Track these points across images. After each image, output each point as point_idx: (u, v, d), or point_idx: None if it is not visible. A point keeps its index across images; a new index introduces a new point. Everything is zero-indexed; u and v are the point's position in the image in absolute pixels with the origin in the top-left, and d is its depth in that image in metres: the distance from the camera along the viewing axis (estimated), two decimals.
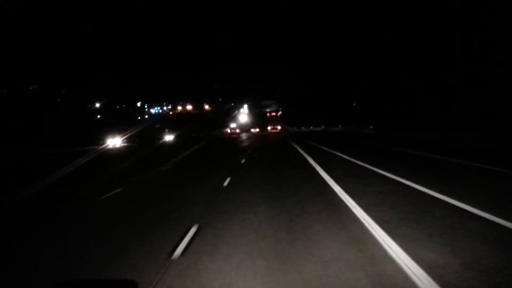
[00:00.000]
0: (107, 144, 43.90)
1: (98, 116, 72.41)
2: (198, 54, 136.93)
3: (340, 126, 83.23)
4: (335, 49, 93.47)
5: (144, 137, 53.81)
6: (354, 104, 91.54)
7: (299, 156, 21.27)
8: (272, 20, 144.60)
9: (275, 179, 12.73)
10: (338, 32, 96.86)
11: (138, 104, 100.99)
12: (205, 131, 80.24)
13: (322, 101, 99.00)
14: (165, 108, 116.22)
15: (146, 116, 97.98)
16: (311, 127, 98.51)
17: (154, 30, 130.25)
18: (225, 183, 12.18)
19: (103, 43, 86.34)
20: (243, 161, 19.95)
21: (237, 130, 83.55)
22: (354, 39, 75.17)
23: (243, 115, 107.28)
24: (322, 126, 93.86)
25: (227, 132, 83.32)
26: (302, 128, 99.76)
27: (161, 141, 56.81)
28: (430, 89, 43.81)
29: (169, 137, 62.82)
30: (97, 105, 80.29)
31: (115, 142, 45.54)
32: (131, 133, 51.27)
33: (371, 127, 60.00)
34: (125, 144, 46.93)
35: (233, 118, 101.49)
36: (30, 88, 64.03)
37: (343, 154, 20.26)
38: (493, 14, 34.81)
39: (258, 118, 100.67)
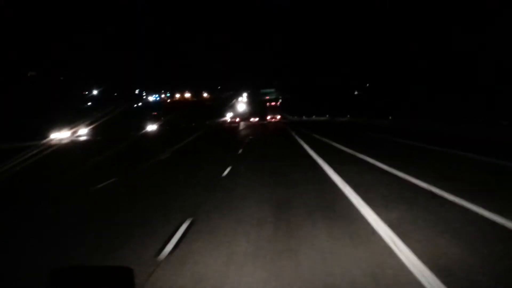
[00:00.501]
0: (49, 138, 33.83)
1: (89, 104, 69.44)
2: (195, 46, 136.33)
3: (348, 116, 72.96)
4: (335, 49, 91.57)
5: (116, 128, 43.96)
6: (356, 92, 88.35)
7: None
8: (272, 20, 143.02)
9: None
10: (338, 32, 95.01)
11: (136, 91, 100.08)
12: (198, 120, 77.92)
13: (325, 92, 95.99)
14: (163, 95, 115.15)
15: (140, 104, 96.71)
16: (314, 116, 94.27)
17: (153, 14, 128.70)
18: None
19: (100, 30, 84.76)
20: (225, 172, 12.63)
21: (236, 119, 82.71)
22: (354, 39, 73.32)
23: (242, 104, 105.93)
24: (327, 116, 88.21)
25: (226, 121, 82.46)
26: (304, 117, 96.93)
27: (141, 133, 47.08)
28: (430, 89, 42.74)
29: (151, 128, 54.82)
30: (95, 92, 79.49)
31: (62, 135, 36.31)
32: (96, 123, 42.31)
33: (390, 117, 50.69)
34: (83, 138, 38.20)
35: (232, 107, 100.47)
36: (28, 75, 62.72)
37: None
38: (493, 14, 33.70)
39: (257, 107, 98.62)
